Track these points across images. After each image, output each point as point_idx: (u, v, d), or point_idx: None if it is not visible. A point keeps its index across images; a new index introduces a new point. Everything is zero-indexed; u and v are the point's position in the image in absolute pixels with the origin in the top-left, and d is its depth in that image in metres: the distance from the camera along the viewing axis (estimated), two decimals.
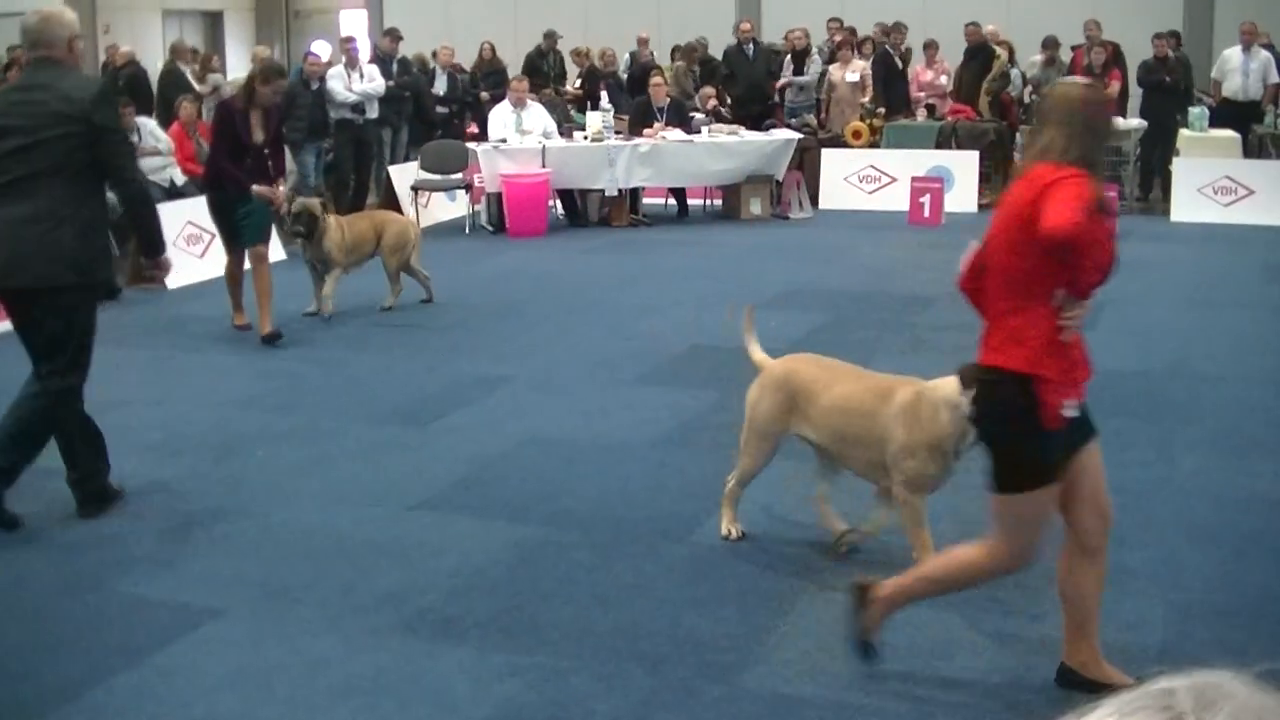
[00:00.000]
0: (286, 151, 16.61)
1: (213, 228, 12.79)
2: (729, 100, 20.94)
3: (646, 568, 6.57)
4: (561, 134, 18.94)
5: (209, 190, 12.27)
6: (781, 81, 21.48)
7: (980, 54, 20.95)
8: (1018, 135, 19.91)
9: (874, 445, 6.47)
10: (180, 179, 16.30)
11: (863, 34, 22.71)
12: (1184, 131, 19.14)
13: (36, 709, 5.31)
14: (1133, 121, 19.39)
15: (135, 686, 5.49)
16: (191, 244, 14.35)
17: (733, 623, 5.92)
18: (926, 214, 18.15)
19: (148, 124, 16.88)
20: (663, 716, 5.10)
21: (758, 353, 7.32)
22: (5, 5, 27.78)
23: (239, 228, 11.74)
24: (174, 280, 14.04)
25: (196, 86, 19.76)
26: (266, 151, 11.80)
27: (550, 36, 24.09)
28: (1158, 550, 6.64)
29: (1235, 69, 19.86)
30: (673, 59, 23.75)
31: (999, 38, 21.38)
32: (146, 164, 16.27)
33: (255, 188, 11.53)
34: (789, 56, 21.60)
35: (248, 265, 11.91)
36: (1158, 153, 19.73)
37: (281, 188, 12.07)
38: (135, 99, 17.46)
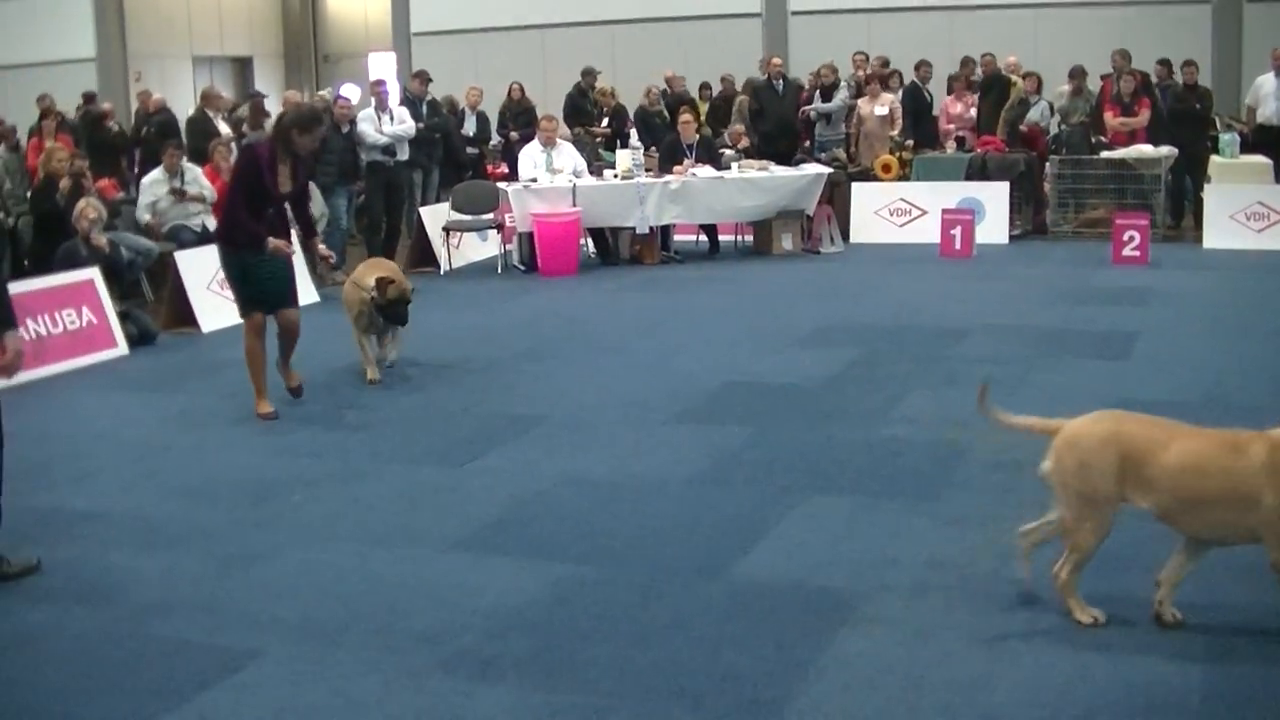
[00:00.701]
0: (317, 195, 16.68)
1: None
2: (757, 137, 20.97)
3: (685, 605, 6.56)
4: (591, 172, 18.98)
5: (222, 245, 10.75)
6: (806, 109, 21.49)
7: (996, 85, 20.98)
8: (1047, 166, 19.91)
9: (1235, 506, 5.87)
10: (213, 224, 16.37)
11: (891, 66, 22.76)
12: (1215, 158, 19.11)
13: None
14: (1163, 149, 19.35)
15: None
16: (225, 288, 14.42)
17: (772, 659, 5.91)
18: (958, 246, 18.14)
19: (194, 170, 16.99)
20: None
21: (1030, 420, 6.72)
22: (33, 55, 28.12)
23: (263, 289, 10.51)
24: (210, 324, 14.18)
25: (224, 130, 19.86)
26: (288, 204, 10.69)
27: (589, 74, 24.11)
28: (1196, 582, 6.59)
29: (1270, 94, 19.85)
30: (701, 97, 23.84)
31: (1018, 69, 21.39)
32: (181, 209, 16.41)
33: (270, 242, 10.29)
34: (817, 91, 21.63)
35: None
36: (1188, 179, 19.69)
37: (320, 247, 11.51)
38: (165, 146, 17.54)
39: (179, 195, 16.44)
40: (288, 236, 10.64)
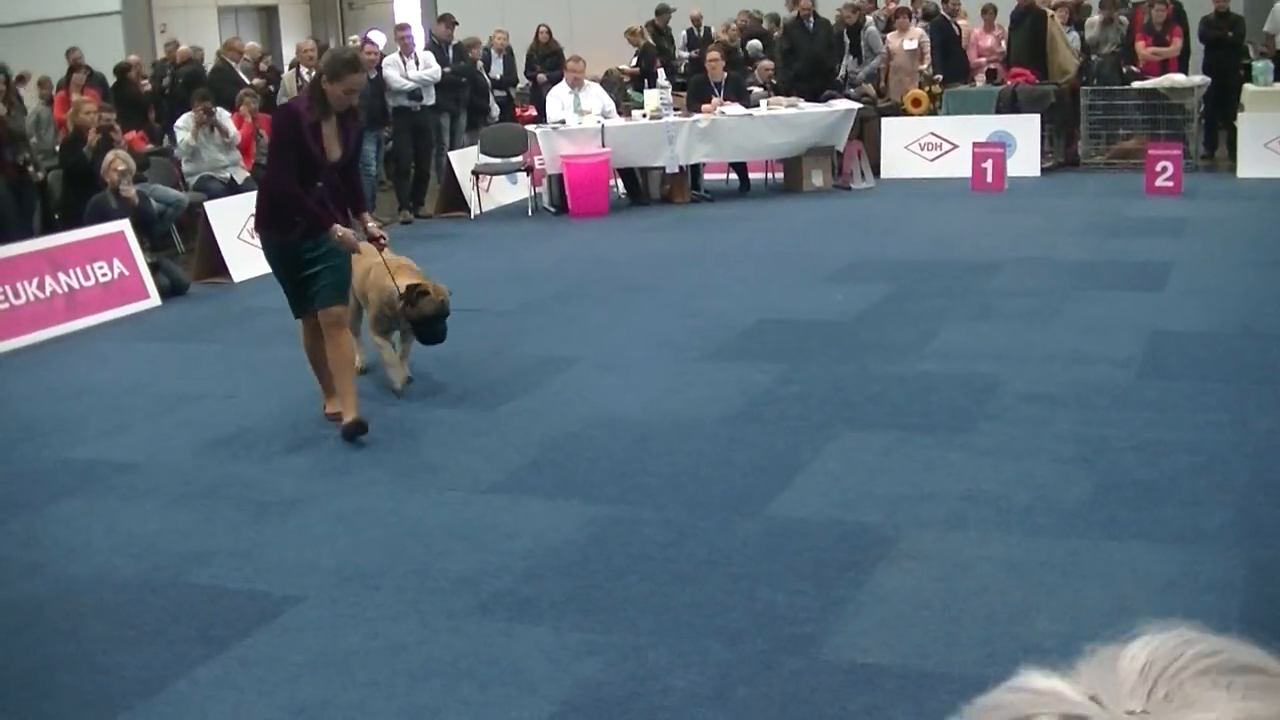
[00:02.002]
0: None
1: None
2: (790, 75, 20.88)
3: (721, 543, 6.56)
4: (619, 113, 18.93)
5: (264, 231, 9.03)
6: (844, 70, 21.48)
7: (1027, 16, 20.76)
8: (1079, 98, 19.76)
9: None
10: (241, 176, 16.39)
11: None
12: (1248, 87, 18.92)
13: (121, 701, 5.35)
14: (1195, 78, 19.19)
15: (217, 676, 5.53)
16: (256, 237, 14.44)
17: (809, 595, 5.91)
18: (989, 180, 18.04)
19: (223, 114, 17.00)
20: (742, 690, 5.09)
21: None
22: (60, 9, 28.06)
23: (310, 283, 8.73)
24: (241, 273, 14.20)
25: (249, 81, 19.83)
26: (340, 174, 8.77)
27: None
28: (1236, 512, 6.58)
29: None
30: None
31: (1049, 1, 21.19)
32: (212, 159, 16.42)
33: (337, 229, 8.52)
34: (844, 32, 21.55)
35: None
36: (1222, 109, 19.51)
37: (370, 224, 9.05)
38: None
39: (221, 133, 16.51)
40: (343, 215, 8.75)
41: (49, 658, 5.83)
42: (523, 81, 23.46)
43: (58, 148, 16.99)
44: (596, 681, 5.25)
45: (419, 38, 20.31)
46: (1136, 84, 19.31)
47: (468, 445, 8.41)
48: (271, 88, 20.33)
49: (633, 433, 8.40)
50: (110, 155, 14.14)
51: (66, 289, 12.96)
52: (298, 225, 8.56)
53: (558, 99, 18.58)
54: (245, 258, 14.24)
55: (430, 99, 18.70)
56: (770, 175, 19.95)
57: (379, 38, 23.31)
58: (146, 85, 20.61)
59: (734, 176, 19.79)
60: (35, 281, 12.71)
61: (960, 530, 6.52)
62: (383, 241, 9.04)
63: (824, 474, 7.42)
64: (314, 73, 9.17)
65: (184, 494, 7.86)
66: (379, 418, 8.92)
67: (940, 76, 20.70)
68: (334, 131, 8.64)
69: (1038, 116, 19.26)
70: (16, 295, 12.51)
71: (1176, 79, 19.17)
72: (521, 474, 7.80)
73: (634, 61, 23.68)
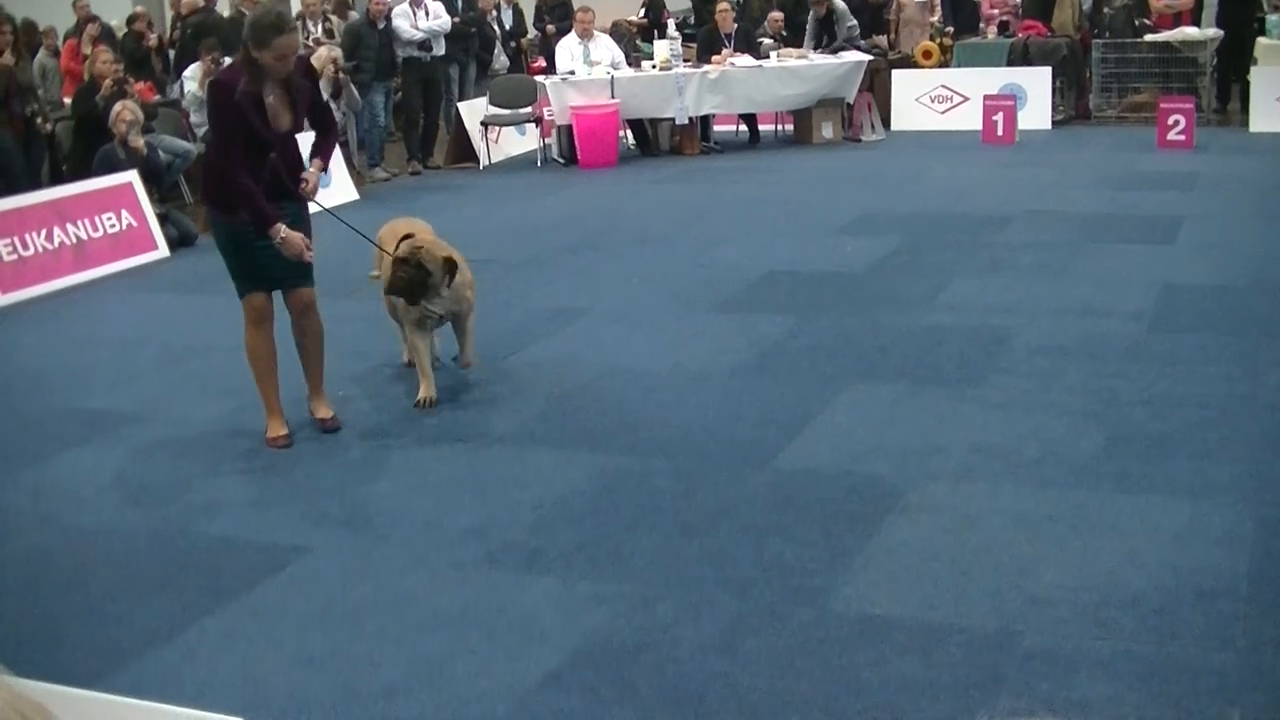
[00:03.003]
0: (353, 91, 16.63)
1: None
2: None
3: (730, 494, 6.55)
4: (629, 64, 18.87)
5: (209, 207, 7.99)
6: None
7: None
8: (1089, 51, 19.68)
9: None
10: None
11: None
12: (1261, 40, 18.81)
13: (132, 651, 5.36)
14: (1209, 31, 19.09)
15: (226, 627, 5.54)
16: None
17: (818, 547, 5.90)
18: (1000, 132, 17.98)
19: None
20: (751, 642, 5.09)
21: None
22: None
23: (264, 263, 7.72)
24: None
25: None
26: (299, 138, 7.91)
27: None
28: (1246, 465, 6.56)
29: None
30: None
31: None
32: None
33: (280, 230, 7.47)
34: None
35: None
36: (1235, 62, 19.40)
37: (309, 171, 7.79)
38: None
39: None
40: (299, 177, 7.76)
41: (59, 608, 5.83)
42: (532, 33, 23.37)
43: (66, 99, 16.95)
44: (605, 632, 5.25)
45: None
46: (1149, 37, 19.23)
47: (476, 396, 8.40)
48: None
49: (642, 384, 8.39)
50: (118, 106, 14.11)
51: (75, 240, 12.96)
52: (241, 212, 7.56)
53: (567, 50, 18.53)
54: None
55: (440, 50, 18.64)
56: (780, 127, 19.92)
57: None
58: (153, 40, 20.49)
59: (744, 128, 19.77)
60: (43, 233, 12.71)
61: (969, 483, 6.51)
62: (304, 189, 7.74)
63: (833, 426, 7.41)
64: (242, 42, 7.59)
65: (192, 445, 7.86)
66: (390, 371, 8.93)
67: (951, 29, 20.63)
68: (280, 100, 7.59)
69: (1049, 69, 19.18)
70: (25, 246, 12.51)
71: (1189, 32, 19.09)
72: (530, 425, 7.79)
73: (641, 13, 23.59)
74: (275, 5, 7.84)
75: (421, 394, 8.27)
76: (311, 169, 7.83)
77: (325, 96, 15.30)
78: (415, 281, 8.02)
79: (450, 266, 8.11)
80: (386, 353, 9.30)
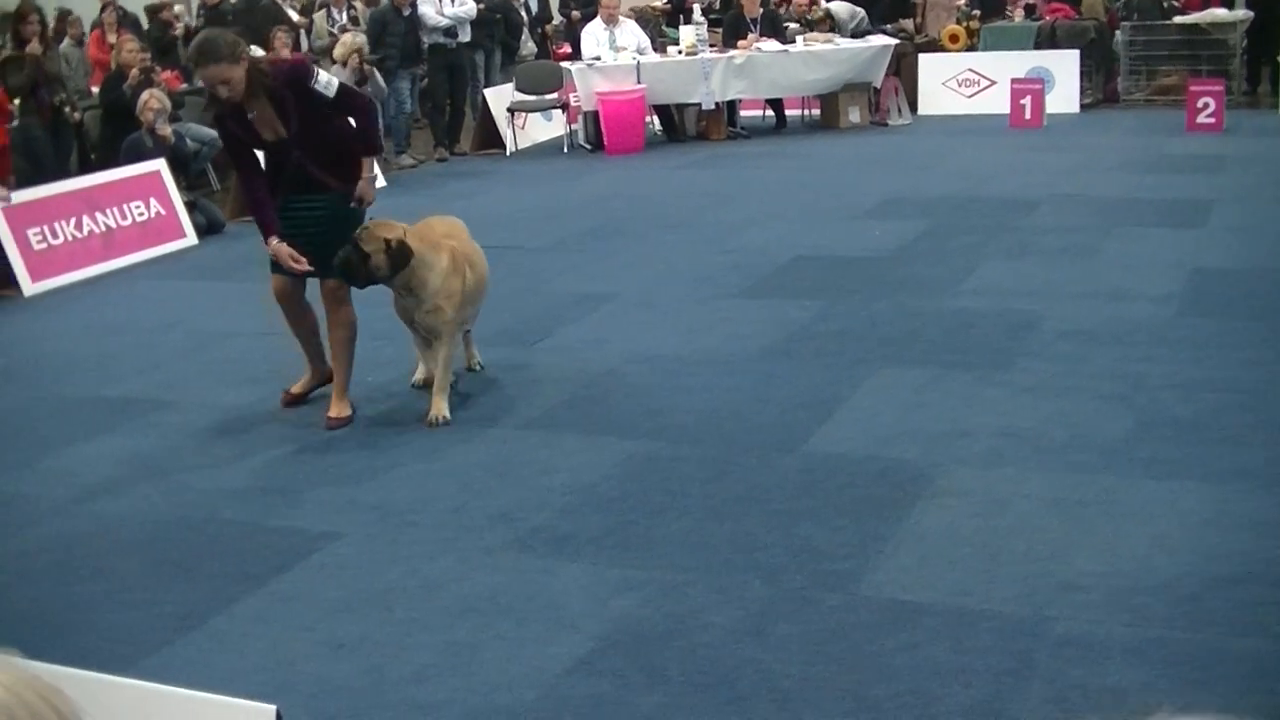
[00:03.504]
0: (378, 79, 16.62)
1: None
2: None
3: (759, 479, 6.54)
4: (655, 49, 18.85)
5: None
6: None
7: None
8: (1117, 34, 19.59)
9: None
10: None
11: None
12: None
13: (161, 635, 5.37)
14: (1238, 13, 18.99)
15: (256, 612, 5.54)
16: None
17: (848, 531, 5.89)
18: (1027, 116, 17.92)
19: (257, 53, 16.96)
20: (781, 627, 5.08)
21: None
22: None
23: (301, 246, 7.81)
24: None
25: (295, 18, 19.76)
26: (307, 143, 7.75)
27: None
28: (1275, 450, 6.52)
29: None
30: None
31: None
32: None
33: (272, 244, 7.77)
34: None
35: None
36: (1265, 44, 19.28)
37: (362, 180, 7.92)
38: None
39: None
40: (336, 177, 7.88)
41: (87, 594, 5.85)
42: (557, 18, 23.34)
43: (94, 89, 16.97)
44: (635, 617, 5.24)
45: None
46: (1177, 19, 19.15)
47: (504, 382, 8.40)
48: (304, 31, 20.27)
49: (669, 369, 8.38)
50: (145, 94, 14.13)
51: (104, 228, 13.00)
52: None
53: (593, 36, 18.52)
54: None
55: (465, 36, 18.63)
56: (807, 112, 19.89)
57: None
58: (180, 28, 20.46)
59: (770, 113, 19.74)
60: (73, 221, 12.74)
61: (998, 467, 6.49)
62: (361, 205, 7.95)
63: (862, 410, 7.40)
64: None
65: (219, 432, 7.87)
66: (415, 357, 8.93)
67: (978, 12, 20.56)
68: (264, 113, 7.67)
69: (1077, 52, 19.12)
70: (54, 235, 12.54)
71: (1218, 13, 18.99)
72: (558, 410, 7.79)
73: None
74: (210, 33, 7.78)
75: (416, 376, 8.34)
76: (363, 173, 7.94)
77: (350, 84, 15.35)
78: (351, 263, 7.63)
79: (396, 251, 7.57)
80: (407, 341, 9.29)
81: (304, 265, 7.75)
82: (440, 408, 7.74)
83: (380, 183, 15.36)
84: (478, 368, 8.59)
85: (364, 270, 7.64)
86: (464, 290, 7.82)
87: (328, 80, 7.73)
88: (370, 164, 8.07)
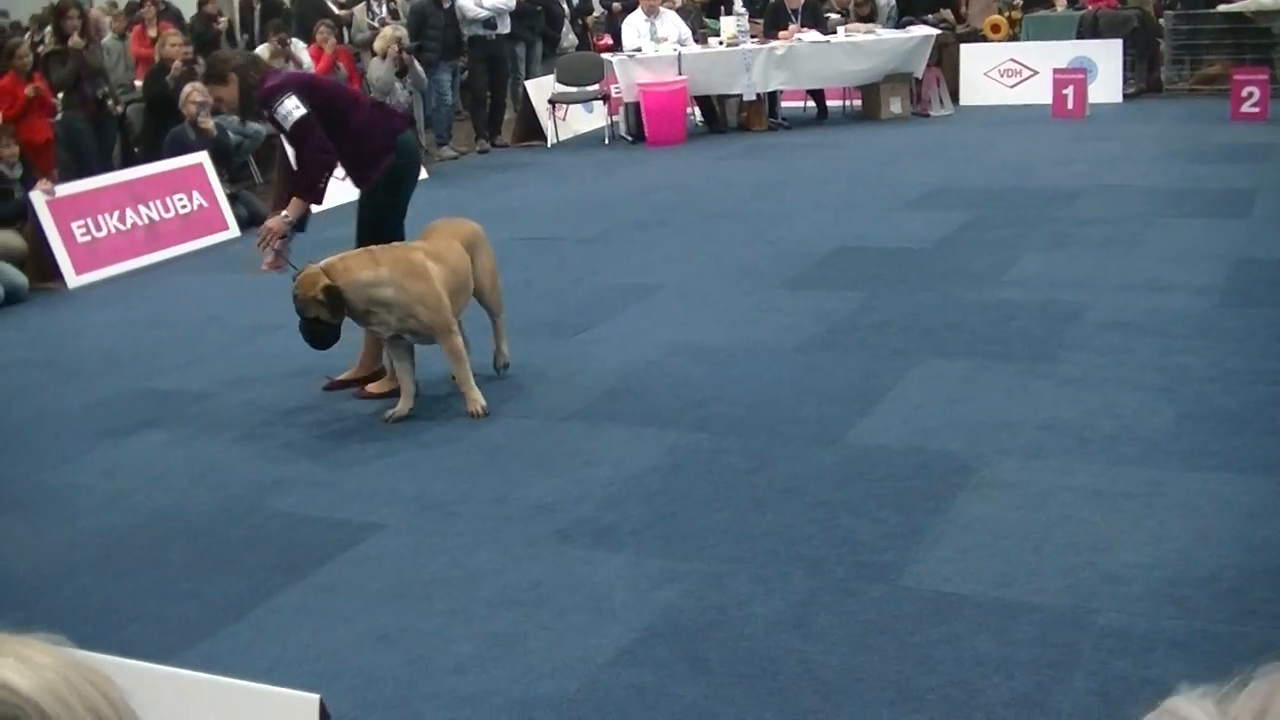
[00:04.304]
0: (419, 71, 16.64)
1: None
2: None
3: (801, 470, 6.53)
4: (696, 40, 18.84)
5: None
6: None
7: None
8: (1160, 22, 19.48)
9: None
10: None
11: None
12: None
13: (204, 626, 5.40)
14: None
15: (298, 603, 5.57)
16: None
17: (890, 523, 5.88)
18: (1070, 106, 17.82)
19: (299, 45, 17.05)
20: (823, 618, 5.08)
21: None
22: None
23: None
24: (326, 202, 14.25)
25: (336, 11, 19.81)
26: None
27: None
28: None
29: None
30: None
31: None
32: None
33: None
34: None
35: None
36: None
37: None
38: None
39: (295, 65, 16.51)
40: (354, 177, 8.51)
41: (132, 585, 5.88)
42: (598, 10, 23.34)
43: (137, 82, 17.06)
44: (677, 609, 5.25)
45: None
46: (1221, 7, 19.03)
47: (546, 373, 8.40)
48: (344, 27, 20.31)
49: (712, 360, 8.38)
50: (188, 88, 14.19)
51: (146, 221, 13.07)
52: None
53: (634, 27, 18.51)
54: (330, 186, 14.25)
55: (505, 28, 18.64)
56: (848, 102, 19.84)
57: None
58: (224, 23, 20.47)
59: (811, 104, 19.71)
60: (116, 214, 12.81)
61: (1041, 459, 6.47)
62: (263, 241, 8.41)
63: (904, 402, 7.38)
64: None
65: (262, 423, 7.91)
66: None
67: (1020, 1, 20.46)
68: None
69: (1120, 42, 19.00)
70: (98, 228, 12.62)
71: (1263, 1, 18.87)
72: (600, 402, 7.79)
73: None
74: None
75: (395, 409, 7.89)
76: (281, 211, 8.36)
77: (391, 75, 15.39)
78: (314, 334, 7.78)
79: (328, 300, 7.56)
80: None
81: (269, 266, 8.32)
82: (475, 399, 7.74)
83: (421, 174, 15.46)
84: (502, 371, 8.42)
85: (325, 330, 7.72)
86: (435, 289, 7.64)
87: (286, 113, 7.90)
88: (295, 204, 8.23)
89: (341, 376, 8.45)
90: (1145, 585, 5.16)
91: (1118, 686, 4.45)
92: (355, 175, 8.32)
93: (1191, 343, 8.03)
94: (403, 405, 7.85)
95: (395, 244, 8.01)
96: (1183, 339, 8.11)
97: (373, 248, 7.81)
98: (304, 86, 8.18)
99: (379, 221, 8.17)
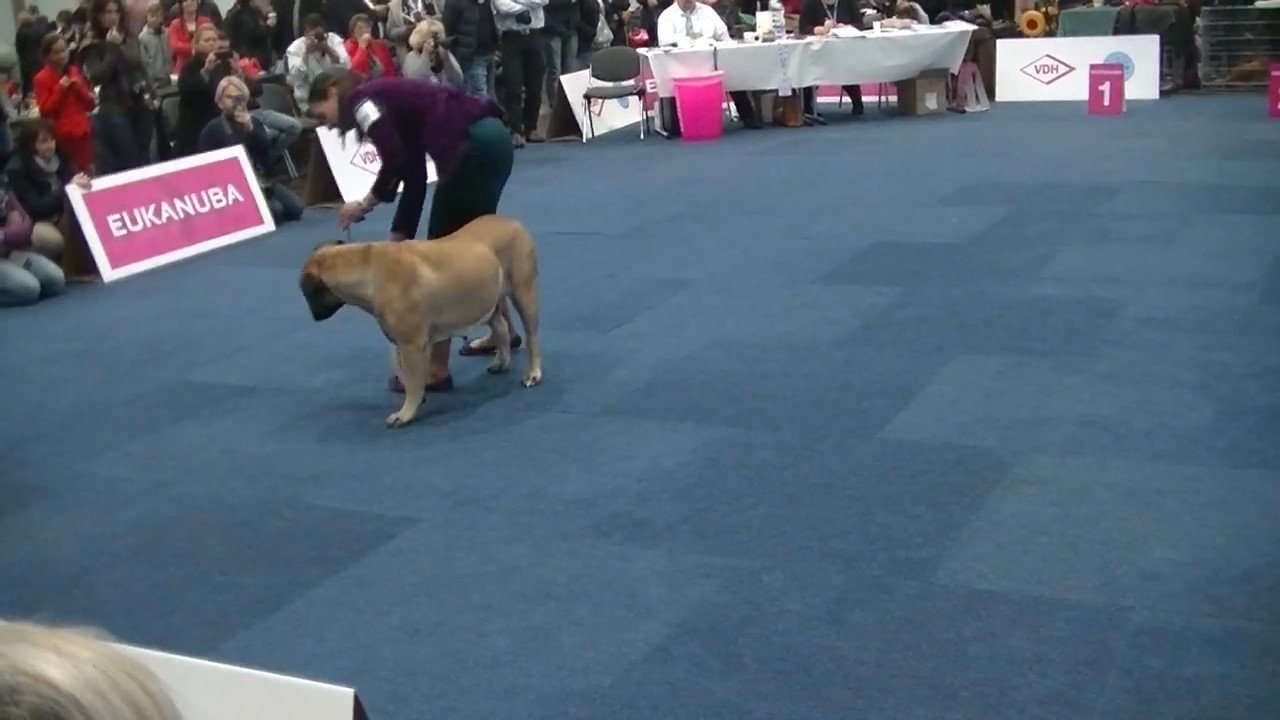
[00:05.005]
0: (454, 64, 16.66)
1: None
2: None
3: (836, 466, 6.53)
4: (732, 35, 18.82)
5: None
6: None
7: None
8: (1198, 18, 19.40)
9: None
10: None
11: None
12: None
13: (240, 619, 5.42)
14: None
15: (334, 596, 5.58)
16: (369, 161, 14.44)
17: (924, 519, 5.87)
18: (1106, 102, 17.75)
19: (336, 40, 17.10)
20: (857, 614, 5.07)
21: None
22: None
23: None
24: (354, 197, 14.26)
25: (372, 5, 19.84)
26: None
27: None
28: None
29: None
30: None
31: None
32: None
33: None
34: None
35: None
36: None
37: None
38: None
39: (332, 59, 16.54)
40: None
41: (171, 576, 5.91)
42: (634, 5, 23.32)
43: (173, 76, 17.12)
44: (711, 604, 5.25)
45: None
46: (1259, 3, 18.94)
47: (581, 368, 8.41)
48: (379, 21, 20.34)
49: (747, 355, 8.37)
50: (224, 82, 14.23)
51: (182, 215, 13.11)
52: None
53: (669, 22, 18.51)
54: (358, 182, 14.25)
55: (539, 22, 18.64)
56: (884, 98, 19.81)
57: None
58: (272, 18, 20.46)
59: (847, 99, 19.68)
60: (152, 208, 12.86)
61: (1078, 455, 6.45)
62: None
63: (939, 397, 7.37)
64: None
65: (299, 416, 7.93)
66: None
67: None
68: None
69: (1157, 37, 18.92)
70: (134, 221, 12.66)
71: None
72: (636, 396, 7.80)
73: None
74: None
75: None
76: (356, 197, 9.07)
77: (426, 70, 15.40)
78: (317, 309, 8.00)
79: (307, 285, 7.84)
80: (486, 326, 9.33)
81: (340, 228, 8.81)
82: (405, 414, 7.64)
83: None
84: (532, 382, 8.18)
85: (321, 302, 7.88)
86: (409, 296, 7.51)
87: (364, 116, 8.31)
88: (369, 196, 8.74)
89: (475, 343, 8.90)
90: (1181, 583, 5.14)
91: (1152, 685, 4.44)
92: (437, 167, 8.53)
93: (1231, 339, 7.99)
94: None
95: (404, 242, 8.13)
96: (1222, 335, 8.08)
97: (375, 244, 7.85)
98: (380, 91, 8.55)
99: (450, 213, 8.23)
